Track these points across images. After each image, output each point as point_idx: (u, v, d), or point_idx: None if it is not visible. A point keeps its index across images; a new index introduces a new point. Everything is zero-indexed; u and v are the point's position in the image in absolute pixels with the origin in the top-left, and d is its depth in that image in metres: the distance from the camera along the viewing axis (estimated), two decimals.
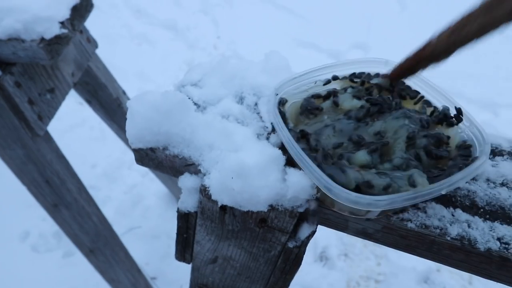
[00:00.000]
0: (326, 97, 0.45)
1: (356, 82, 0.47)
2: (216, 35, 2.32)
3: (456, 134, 0.41)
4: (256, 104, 0.47)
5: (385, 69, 0.47)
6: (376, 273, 1.55)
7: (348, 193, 0.33)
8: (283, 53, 0.52)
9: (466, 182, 0.40)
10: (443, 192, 0.34)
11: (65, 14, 0.59)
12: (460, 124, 0.41)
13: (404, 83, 0.47)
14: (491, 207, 0.39)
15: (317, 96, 0.45)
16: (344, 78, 0.47)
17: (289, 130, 0.39)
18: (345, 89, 0.46)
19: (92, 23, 0.72)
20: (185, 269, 1.44)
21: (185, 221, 0.46)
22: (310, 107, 0.43)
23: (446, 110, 0.42)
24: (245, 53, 2.21)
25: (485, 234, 0.36)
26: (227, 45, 2.26)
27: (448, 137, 0.40)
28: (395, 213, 0.38)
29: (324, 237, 1.59)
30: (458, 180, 0.35)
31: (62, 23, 0.58)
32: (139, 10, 2.42)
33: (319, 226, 0.44)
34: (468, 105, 2.12)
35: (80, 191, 0.84)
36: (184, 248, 0.51)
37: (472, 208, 0.39)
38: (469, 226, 0.37)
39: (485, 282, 1.51)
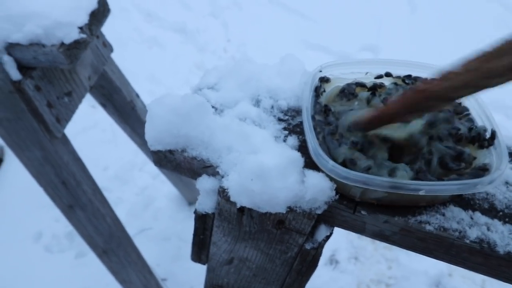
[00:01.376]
0: (370, 88, 0.45)
1: (408, 84, 0.46)
2: (226, 38, 2.33)
3: (483, 156, 0.39)
4: (272, 106, 0.48)
5: None
6: (387, 277, 1.54)
7: (327, 161, 0.36)
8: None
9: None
10: (421, 193, 0.34)
11: (84, 19, 0.60)
12: (491, 148, 0.39)
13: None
14: (510, 210, 0.39)
15: (361, 85, 0.46)
16: (398, 77, 0.47)
17: (316, 103, 0.42)
18: (393, 85, 0.46)
19: (103, 27, 0.74)
20: (196, 270, 1.45)
21: (203, 222, 0.46)
22: (347, 91, 0.44)
23: (481, 130, 0.40)
24: (255, 55, 2.22)
25: (504, 237, 0.36)
26: (237, 47, 2.28)
27: (474, 158, 0.39)
28: (412, 215, 0.38)
29: (334, 240, 1.59)
30: (440, 187, 0.34)
31: (81, 28, 0.60)
32: (150, 14, 2.45)
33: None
34: None
35: (95, 193, 0.85)
36: (201, 249, 0.51)
37: (491, 211, 0.39)
38: (488, 229, 0.37)
39: (498, 286, 1.49)
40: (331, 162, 0.35)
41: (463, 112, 0.43)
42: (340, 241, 1.60)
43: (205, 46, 2.28)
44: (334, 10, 2.52)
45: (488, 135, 0.40)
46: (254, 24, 2.41)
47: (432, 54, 2.14)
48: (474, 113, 0.43)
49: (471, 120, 0.43)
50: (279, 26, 2.41)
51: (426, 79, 0.35)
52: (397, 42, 2.32)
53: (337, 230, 0.49)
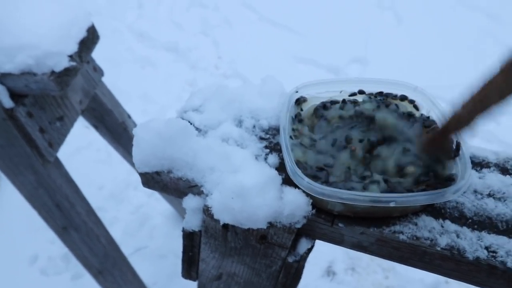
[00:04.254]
0: (343, 102, 0.48)
1: (380, 99, 0.49)
2: (217, 55, 2.38)
3: (451, 167, 0.41)
4: (254, 126, 0.50)
5: (413, 95, 0.49)
6: (384, 287, 1.55)
7: (302, 178, 0.38)
8: (283, 70, 0.55)
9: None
10: (392, 205, 0.36)
11: (73, 48, 0.63)
12: (457, 159, 0.41)
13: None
14: (478, 218, 0.41)
15: (335, 102, 0.48)
16: (371, 94, 0.50)
17: (294, 118, 0.46)
18: (368, 97, 0.49)
19: (96, 49, 0.76)
20: (192, 287, 1.45)
21: (190, 240, 0.48)
22: (320, 107, 0.48)
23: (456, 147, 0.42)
24: (245, 72, 2.26)
25: (473, 243, 0.38)
26: (228, 64, 2.32)
27: (443, 168, 0.42)
28: (386, 226, 0.40)
29: (330, 252, 1.60)
30: (409, 199, 0.36)
31: (70, 56, 0.62)
32: (142, 34, 2.50)
33: (323, 242, 0.47)
34: None
35: (89, 214, 0.87)
36: (190, 266, 0.53)
37: (461, 219, 0.41)
38: (458, 236, 0.39)
39: None
40: (307, 179, 0.37)
41: (431, 125, 0.45)
42: (336, 253, 1.60)
43: (197, 64, 2.32)
44: (322, 24, 2.58)
45: (453, 146, 0.42)
46: (244, 41, 2.46)
47: (419, 64, 2.20)
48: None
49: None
50: (269, 42, 2.46)
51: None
52: (385, 54, 2.37)
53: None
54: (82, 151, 1.80)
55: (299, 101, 0.49)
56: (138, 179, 1.66)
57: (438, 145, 0.41)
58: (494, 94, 0.33)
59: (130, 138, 1.01)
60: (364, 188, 0.39)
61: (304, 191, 0.39)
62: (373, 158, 0.42)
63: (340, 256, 1.59)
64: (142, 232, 1.59)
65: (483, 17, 2.59)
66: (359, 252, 1.70)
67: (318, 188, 0.37)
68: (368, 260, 1.60)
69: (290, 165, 0.39)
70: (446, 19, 2.60)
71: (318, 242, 0.44)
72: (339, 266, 1.56)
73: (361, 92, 0.50)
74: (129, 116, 1.03)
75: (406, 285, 1.52)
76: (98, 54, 0.83)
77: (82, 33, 0.65)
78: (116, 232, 1.27)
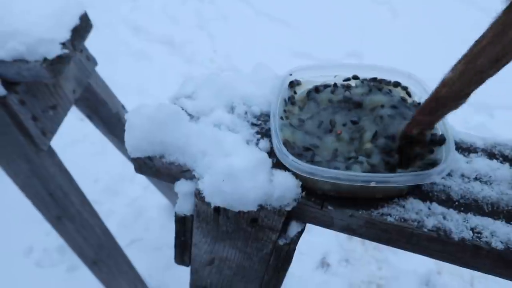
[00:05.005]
0: (334, 85, 0.49)
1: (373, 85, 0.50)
2: (213, 49, 2.37)
3: (440, 153, 0.41)
4: (246, 112, 0.51)
5: (407, 82, 0.49)
6: (378, 278, 1.56)
7: (287, 156, 0.39)
8: (278, 64, 0.55)
9: (442, 178, 0.43)
10: (372, 184, 0.37)
11: (66, 35, 0.63)
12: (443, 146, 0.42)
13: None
14: (465, 200, 0.42)
15: (328, 86, 0.49)
16: (364, 79, 0.50)
17: (288, 100, 0.47)
18: (360, 82, 0.49)
19: (92, 41, 0.76)
20: (187, 279, 1.46)
21: (182, 224, 0.49)
22: (312, 90, 0.48)
23: (439, 137, 0.43)
24: (241, 65, 2.26)
25: (459, 225, 0.39)
26: (223, 58, 2.32)
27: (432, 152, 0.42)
28: (375, 208, 0.41)
29: (325, 243, 1.61)
30: (390, 179, 0.37)
31: (63, 44, 0.62)
32: (137, 27, 2.48)
33: (318, 232, 0.47)
34: (462, 108, 2.15)
35: (83, 204, 0.87)
36: (183, 251, 0.53)
37: (448, 201, 0.41)
38: (444, 218, 0.40)
39: (486, 283, 1.52)
40: (291, 157, 0.38)
41: None
42: (331, 244, 1.62)
43: (192, 58, 2.32)
44: (318, 18, 2.58)
45: (439, 132, 0.43)
46: (240, 34, 2.46)
47: (414, 58, 2.20)
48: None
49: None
50: (265, 35, 2.46)
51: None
52: (381, 48, 2.38)
53: (326, 234, 0.51)
54: (77, 144, 1.80)
55: (293, 84, 0.50)
56: (133, 171, 1.66)
57: (428, 123, 0.41)
58: (484, 59, 0.31)
59: (124, 128, 1.01)
60: (347, 168, 0.39)
61: (293, 174, 0.40)
62: (358, 135, 0.43)
63: (334, 248, 1.61)
64: (138, 225, 1.60)
65: (478, 11, 2.59)
66: (353, 244, 1.71)
67: (302, 166, 0.38)
68: (362, 251, 1.62)
69: (276, 143, 0.40)
70: (441, 13, 2.61)
71: (312, 234, 0.45)
72: (333, 257, 1.58)
73: (355, 77, 0.50)
74: (123, 107, 1.03)
75: (399, 275, 1.54)
76: (92, 47, 0.83)
77: (74, 21, 0.65)
78: (111, 225, 1.28)
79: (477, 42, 0.32)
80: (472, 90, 0.35)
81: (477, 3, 2.69)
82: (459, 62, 0.34)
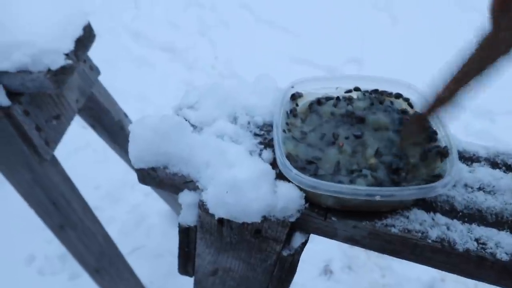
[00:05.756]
0: (337, 99, 0.49)
1: (375, 97, 0.50)
2: (214, 55, 2.38)
3: (444, 165, 0.42)
4: (249, 122, 0.51)
5: (407, 92, 0.50)
6: (381, 285, 1.56)
7: (290, 170, 0.39)
8: (279, 71, 0.56)
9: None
10: (377, 198, 0.37)
11: (69, 46, 0.63)
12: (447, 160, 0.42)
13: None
14: (469, 210, 0.42)
15: (330, 98, 0.49)
16: (366, 91, 0.51)
17: (290, 112, 0.47)
18: (362, 94, 0.50)
19: (93, 48, 0.77)
20: (188, 286, 1.45)
21: (186, 235, 0.49)
22: (314, 103, 0.49)
23: (441, 146, 0.43)
24: (242, 72, 2.26)
25: (463, 235, 0.39)
26: (225, 64, 2.32)
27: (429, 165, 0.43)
28: (378, 219, 0.41)
29: (327, 250, 1.60)
30: (395, 193, 0.37)
31: (67, 54, 0.63)
32: (138, 34, 2.50)
33: (320, 240, 0.47)
34: (464, 113, 2.16)
35: (85, 212, 0.87)
36: (186, 261, 0.53)
37: (451, 212, 0.41)
38: (448, 228, 0.40)
39: None
40: (295, 171, 0.38)
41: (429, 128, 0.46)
42: (333, 251, 1.61)
43: (193, 64, 2.33)
44: (318, 25, 2.59)
45: (443, 144, 0.43)
46: (240, 41, 2.47)
47: (414, 65, 2.21)
48: (433, 123, 0.46)
49: (435, 133, 0.45)
50: (265, 42, 2.47)
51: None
52: (381, 54, 2.38)
53: (329, 241, 0.51)
54: (79, 152, 1.80)
55: (295, 97, 0.50)
56: (134, 178, 1.66)
57: (414, 129, 0.43)
58: (473, 67, 0.34)
59: (126, 137, 1.02)
60: (351, 182, 0.39)
61: (297, 185, 0.40)
62: (361, 148, 0.43)
63: (337, 255, 1.60)
64: (139, 232, 1.59)
65: (479, 18, 2.60)
66: (356, 251, 1.71)
67: (306, 180, 0.38)
68: (365, 258, 1.61)
69: (279, 157, 0.40)
70: (441, 20, 2.62)
71: (315, 242, 0.45)
72: (336, 264, 1.57)
73: (356, 89, 0.50)
74: (125, 115, 1.04)
75: (402, 283, 1.53)
76: (94, 54, 0.84)
77: (78, 32, 0.66)
78: (112, 232, 1.27)
79: (465, 63, 0.36)
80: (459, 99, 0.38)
81: (477, 8, 2.70)
82: (449, 82, 0.37)
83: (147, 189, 1.66)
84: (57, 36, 0.62)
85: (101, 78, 0.89)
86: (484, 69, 0.34)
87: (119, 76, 2.10)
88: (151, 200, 1.66)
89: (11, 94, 0.64)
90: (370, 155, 0.42)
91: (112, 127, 0.97)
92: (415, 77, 0.52)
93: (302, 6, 2.72)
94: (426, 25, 2.58)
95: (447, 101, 0.38)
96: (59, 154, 0.81)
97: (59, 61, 0.61)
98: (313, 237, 0.45)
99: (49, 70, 0.60)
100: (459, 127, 1.98)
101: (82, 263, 0.97)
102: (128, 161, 1.14)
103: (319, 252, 1.56)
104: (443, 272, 1.63)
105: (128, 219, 1.60)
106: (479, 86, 0.36)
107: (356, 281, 1.56)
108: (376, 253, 1.60)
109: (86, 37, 0.68)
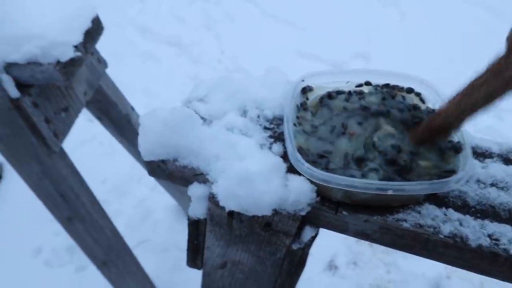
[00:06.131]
0: (348, 93, 0.49)
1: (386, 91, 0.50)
2: (220, 50, 2.38)
3: (458, 161, 0.42)
4: (258, 116, 0.51)
5: (419, 87, 0.49)
6: (386, 281, 1.55)
7: (302, 163, 0.39)
8: (285, 65, 0.55)
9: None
10: (389, 192, 0.37)
11: (78, 38, 0.63)
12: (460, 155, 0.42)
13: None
14: (481, 206, 0.41)
15: (341, 92, 0.49)
16: (377, 86, 0.50)
17: (300, 106, 0.47)
18: (374, 89, 0.49)
19: (99, 43, 0.76)
20: (195, 280, 1.46)
21: (196, 228, 0.49)
22: (325, 97, 0.48)
23: (456, 144, 0.43)
24: (248, 66, 2.26)
25: (476, 231, 0.39)
26: (231, 59, 2.32)
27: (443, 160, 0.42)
28: (390, 213, 0.40)
29: (333, 246, 1.60)
30: (407, 187, 0.37)
31: (76, 46, 0.63)
32: (144, 28, 2.49)
33: (326, 235, 0.47)
34: None
35: (94, 205, 0.87)
36: (195, 254, 0.53)
37: (464, 207, 0.41)
38: (461, 224, 0.39)
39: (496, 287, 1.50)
40: (307, 164, 0.38)
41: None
42: (339, 247, 1.61)
43: (199, 58, 2.32)
44: (325, 19, 2.57)
45: (456, 140, 0.43)
46: (247, 35, 2.46)
47: (422, 59, 2.19)
48: None
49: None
50: (272, 36, 2.45)
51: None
52: (388, 49, 2.36)
53: (335, 236, 0.51)
54: (86, 144, 1.81)
55: (305, 90, 0.49)
56: (141, 172, 1.67)
57: (426, 141, 0.42)
58: (480, 92, 0.34)
59: (133, 130, 1.02)
60: (363, 176, 0.39)
61: (308, 179, 0.40)
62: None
63: (342, 250, 1.60)
64: (145, 226, 1.60)
65: (486, 12, 2.57)
66: (361, 247, 1.70)
67: (318, 174, 0.38)
68: (370, 254, 1.61)
69: (291, 150, 0.40)
70: (449, 15, 2.59)
71: (320, 237, 0.45)
72: (341, 260, 1.57)
73: (367, 83, 0.50)
74: (132, 109, 1.04)
75: (408, 279, 1.52)
76: (100, 48, 0.84)
77: (87, 24, 0.66)
78: (119, 225, 1.28)
79: (474, 80, 0.35)
80: (464, 121, 0.38)
81: (485, 4, 2.67)
82: (456, 95, 0.37)
83: (153, 183, 1.66)
84: (66, 29, 0.62)
85: (107, 72, 0.89)
86: (489, 94, 0.34)
87: (125, 70, 2.10)
88: (157, 195, 1.66)
89: (21, 86, 0.64)
90: (385, 126, 0.42)
91: (119, 120, 0.97)
92: (422, 73, 0.51)
93: (309, 0, 2.70)
94: (433, 20, 2.55)
95: (451, 119, 0.38)
96: (65, 147, 0.81)
97: (68, 53, 0.61)
98: (318, 232, 0.45)
99: (58, 62, 0.60)
100: (467, 125, 1.96)
101: (90, 255, 0.97)
102: (134, 154, 1.15)
103: (324, 247, 1.56)
104: (449, 269, 1.62)
105: (134, 213, 1.61)
106: (479, 110, 0.36)
107: (361, 277, 1.56)
108: (381, 249, 1.60)
109: (95, 30, 0.68)
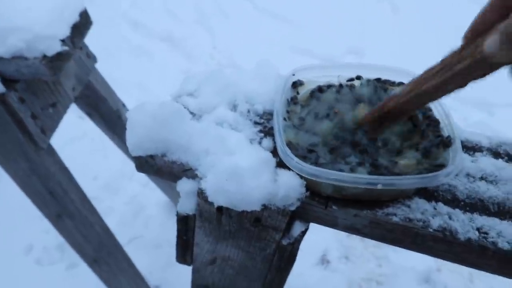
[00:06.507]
0: (339, 86, 0.49)
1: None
2: (212, 45, 2.36)
3: (447, 155, 0.41)
4: (248, 111, 0.50)
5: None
6: (377, 275, 1.57)
7: (291, 158, 0.38)
8: (279, 61, 0.54)
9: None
10: (379, 187, 0.37)
11: (65, 32, 0.62)
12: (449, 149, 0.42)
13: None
14: (471, 200, 0.41)
15: (332, 86, 0.48)
16: (369, 80, 0.50)
17: (290, 100, 0.46)
18: (365, 81, 0.49)
19: (91, 38, 0.75)
20: (188, 276, 1.46)
21: (184, 223, 0.48)
22: (316, 90, 0.48)
23: (445, 138, 0.43)
24: (241, 61, 2.25)
25: (465, 225, 0.39)
26: (223, 54, 2.30)
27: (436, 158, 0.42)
28: (380, 208, 0.40)
29: (324, 240, 1.61)
30: (397, 181, 0.37)
31: (63, 40, 0.61)
32: (136, 23, 2.47)
33: (318, 229, 0.47)
34: (462, 105, 2.15)
35: (83, 201, 0.86)
36: (185, 250, 0.53)
37: (453, 201, 0.41)
38: (450, 218, 0.39)
39: (485, 280, 1.52)
40: (296, 159, 0.38)
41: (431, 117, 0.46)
42: (330, 241, 1.62)
43: (192, 54, 2.30)
44: (318, 15, 2.56)
45: (446, 134, 0.43)
46: (240, 30, 2.44)
47: (416, 54, 2.19)
48: (436, 112, 0.45)
49: (437, 123, 0.45)
50: (265, 32, 2.44)
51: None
52: (381, 44, 2.37)
53: (326, 231, 0.51)
54: (76, 142, 1.79)
55: (296, 84, 0.49)
56: (133, 169, 1.65)
57: (376, 125, 0.43)
58: (431, 82, 0.35)
59: (124, 126, 1.00)
60: (352, 170, 0.39)
61: (297, 173, 0.39)
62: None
63: (334, 245, 1.61)
64: (137, 222, 1.59)
65: (480, 7, 2.58)
66: (352, 241, 1.71)
67: (307, 168, 0.37)
68: (362, 249, 1.62)
69: (280, 145, 0.39)
70: (442, 9, 2.60)
71: (312, 231, 0.45)
72: (333, 254, 1.58)
73: (358, 77, 0.50)
74: (123, 105, 1.02)
75: (399, 273, 1.54)
76: (92, 43, 0.82)
77: (74, 17, 0.64)
78: (111, 222, 1.27)
79: (428, 70, 0.36)
80: (413, 109, 0.39)
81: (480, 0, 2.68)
82: (409, 83, 0.38)
83: (145, 179, 1.65)
84: (52, 22, 0.61)
85: (99, 68, 0.87)
86: (438, 85, 0.34)
87: (117, 65, 2.07)
88: (149, 191, 1.65)
89: (6, 81, 0.62)
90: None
91: (110, 116, 0.96)
92: (415, 67, 0.51)
93: None
94: (427, 16, 2.55)
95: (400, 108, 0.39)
96: (55, 144, 0.80)
97: (55, 47, 0.59)
98: (310, 227, 0.45)
99: (44, 56, 0.59)
100: (457, 119, 1.97)
101: (80, 253, 0.96)
102: (126, 151, 1.14)
103: (316, 242, 1.57)
104: (439, 262, 1.64)
105: (126, 210, 1.60)
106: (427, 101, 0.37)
107: (353, 270, 1.57)
108: (372, 243, 1.61)
109: (83, 24, 0.67)
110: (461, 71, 0.32)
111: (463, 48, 0.33)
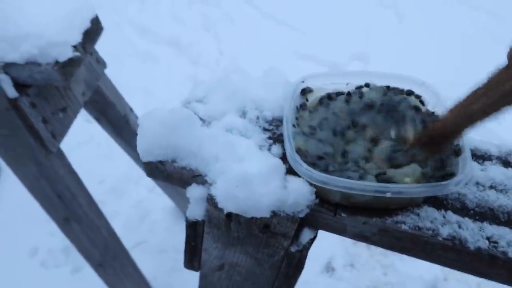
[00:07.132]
0: (348, 94, 0.49)
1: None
2: (219, 51, 2.38)
3: (457, 163, 0.42)
4: (258, 117, 0.51)
5: (419, 90, 0.49)
6: (383, 283, 1.55)
7: (301, 164, 0.39)
8: (284, 67, 0.55)
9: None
10: (388, 195, 0.37)
11: (77, 38, 0.63)
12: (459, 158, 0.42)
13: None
14: (480, 209, 0.41)
15: (340, 93, 0.49)
16: (376, 87, 0.50)
17: (299, 107, 0.47)
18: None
19: (98, 42, 0.76)
20: (193, 282, 1.46)
21: (193, 229, 0.49)
22: (325, 98, 0.48)
23: (455, 147, 0.43)
24: (246, 67, 2.26)
25: (475, 234, 0.39)
26: (230, 60, 2.32)
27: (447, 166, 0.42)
28: (389, 216, 0.40)
29: (330, 247, 1.60)
30: (406, 190, 0.37)
31: (74, 46, 0.62)
32: (143, 28, 2.49)
33: (323, 236, 0.47)
34: None
35: (90, 205, 0.87)
36: (193, 256, 0.53)
37: (463, 210, 0.41)
38: (459, 227, 0.39)
39: None
40: (305, 166, 0.38)
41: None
42: (336, 249, 1.61)
43: (198, 59, 2.32)
44: (323, 21, 2.58)
45: (455, 143, 0.43)
46: (246, 37, 2.46)
47: (420, 61, 2.19)
48: None
49: None
50: (270, 38, 2.46)
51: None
52: (386, 51, 2.37)
53: (332, 238, 0.51)
54: (83, 146, 1.80)
55: (305, 91, 0.49)
56: (139, 173, 1.66)
57: (427, 149, 0.42)
58: (478, 104, 0.34)
59: (132, 131, 1.01)
60: (361, 178, 0.39)
61: (307, 180, 0.40)
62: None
63: (340, 252, 1.60)
64: (143, 227, 1.59)
65: (485, 16, 2.58)
66: (358, 249, 1.70)
67: (316, 175, 0.37)
68: (367, 256, 1.61)
69: (290, 151, 0.40)
70: (447, 17, 2.60)
71: (318, 238, 0.45)
72: (338, 262, 1.57)
73: (367, 85, 0.50)
74: (131, 110, 1.03)
75: (405, 281, 1.52)
76: (99, 48, 0.83)
77: (86, 24, 0.65)
78: (116, 226, 1.28)
79: (475, 91, 0.35)
80: (463, 130, 0.38)
81: (483, 7, 2.68)
82: (456, 105, 0.37)
83: (151, 184, 1.66)
84: (64, 28, 0.62)
85: (106, 73, 0.88)
86: (487, 106, 0.34)
87: (123, 70, 2.09)
88: (155, 196, 1.66)
89: (19, 85, 0.63)
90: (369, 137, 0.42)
91: (118, 121, 0.97)
92: (420, 75, 0.51)
93: (307, 2, 2.71)
94: (432, 23, 2.56)
95: (451, 128, 0.38)
96: (64, 148, 0.81)
97: (67, 53, 0.60)
98: None
99: (56, 62, 0.60)
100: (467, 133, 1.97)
101: (86, 256, 0.97)
102: (132, 155, 1.14)
103: (321, 249, 1.56)
104: (446, 271, 1.62)
105: (132, 214, 1.61)
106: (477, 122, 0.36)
107: (358, 279, 1.56)
108: (378, 251, 1.60)
109: (94, 30, 0.68)
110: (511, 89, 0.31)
111: (509, 66, 0.32)
